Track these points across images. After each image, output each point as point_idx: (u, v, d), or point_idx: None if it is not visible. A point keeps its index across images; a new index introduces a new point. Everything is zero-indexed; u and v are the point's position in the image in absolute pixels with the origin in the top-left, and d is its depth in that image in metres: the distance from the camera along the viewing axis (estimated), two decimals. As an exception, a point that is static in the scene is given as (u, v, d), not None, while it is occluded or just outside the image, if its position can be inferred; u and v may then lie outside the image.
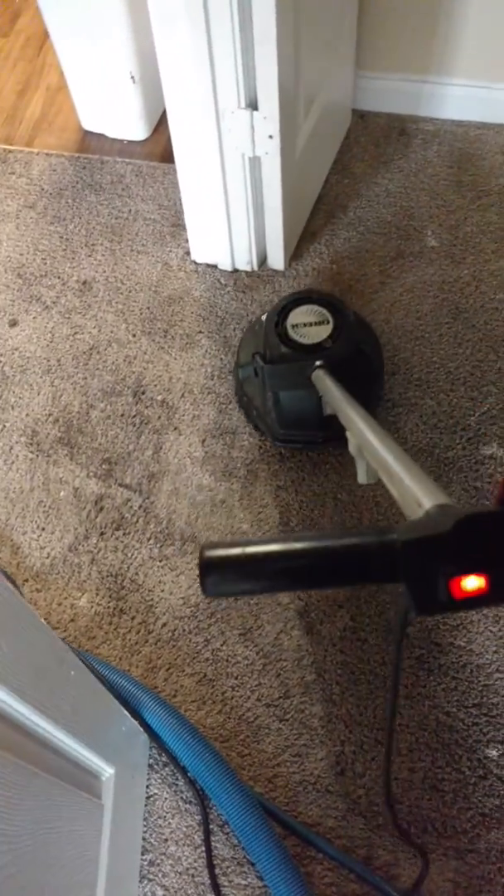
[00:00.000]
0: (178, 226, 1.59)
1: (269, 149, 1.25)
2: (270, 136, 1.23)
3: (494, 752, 1.05)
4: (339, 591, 1.17)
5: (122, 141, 1.74)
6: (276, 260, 1.48)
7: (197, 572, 1.18)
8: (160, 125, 1.75)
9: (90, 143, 1.74)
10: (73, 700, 0.73)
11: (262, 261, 1.51)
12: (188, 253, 1.54)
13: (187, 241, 1.54)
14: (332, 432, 1.20)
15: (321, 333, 1.20)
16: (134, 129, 1.71)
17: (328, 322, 1.21)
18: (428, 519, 0.50)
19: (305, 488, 1.26)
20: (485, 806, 1.02)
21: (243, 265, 1.50)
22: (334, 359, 1.16)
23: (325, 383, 1.10)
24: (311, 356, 1.17)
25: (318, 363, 1.15)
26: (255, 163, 1.30)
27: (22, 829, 0.60)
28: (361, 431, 0.84)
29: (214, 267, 1.52)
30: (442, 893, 0.97)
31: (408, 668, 1.11)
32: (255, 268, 1.50)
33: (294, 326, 1.21)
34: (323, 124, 1.49)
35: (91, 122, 1.74)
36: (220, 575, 0.45)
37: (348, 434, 0.91)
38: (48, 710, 0.66)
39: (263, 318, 1.30)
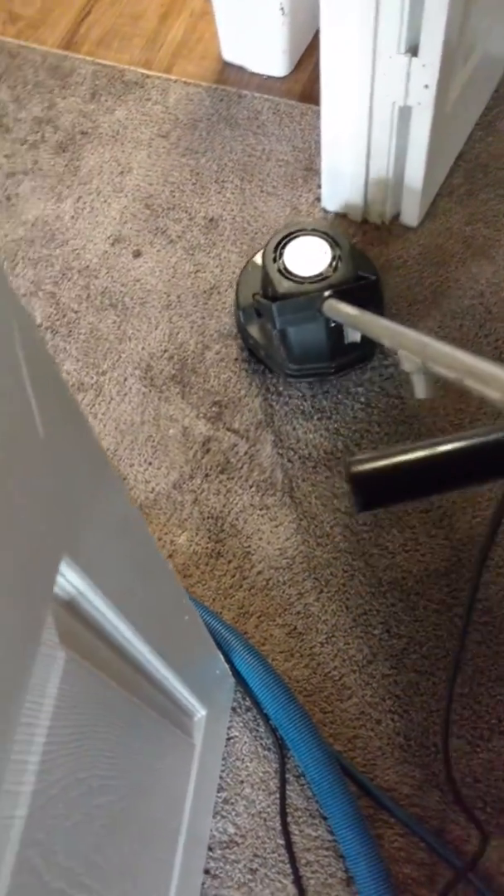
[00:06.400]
0: (310, 170, 1.54)
1: (423, 99, 1.19)
2: (426, 86, 1.17)
3: None
4: (441, 563, 1.15)
5: (261, 76, 1.69)
6: (410, 216, 1.43)
7: (296, 522, 1.19)
8: (302, 62, 1.69)
9: (229, 74, 1.70)
10: (183, 643, 0.75)
11: (395, 216, 1.45)
12: (318, 199, 1.50)
13: (319, 186, 1.50)
14: (344, 361, 1.25)
15: (321, 263, 1.19)
16: (276, 64, 1.66)
17: (326, 252, 1.20)
18: None
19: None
20: None
21: (374, 217, 1.45)
22: (340, 286, 1.16)
23: (345, 311, 1.10)
24: (316, 288, 1.17)
25: (326, 294, 1.15)
26: (405, 113, 1.24)
27: (133, 763, 0.62)
28: (424, 344, 0.82)
29: (344, 216, 1.48)
30: (510, 876, 0.98)
31: (493, 651, 1.09)
32: (387, 222, 1.45)
33: (293, 260, 1.20)
34: (477, 76, 1.41)
35: (232, 52, 1.69)
36: (371, 488, 0.45)
37: (402, 352, 0.88)
38: (164, 653, 0.67)
39: (255, 258, 1.32)
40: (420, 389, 0.86)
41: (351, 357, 1.27)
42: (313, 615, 1.15)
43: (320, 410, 1.29)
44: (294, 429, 1.28)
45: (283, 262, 1.21)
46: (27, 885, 0.41)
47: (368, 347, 1.28)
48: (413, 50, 1.14)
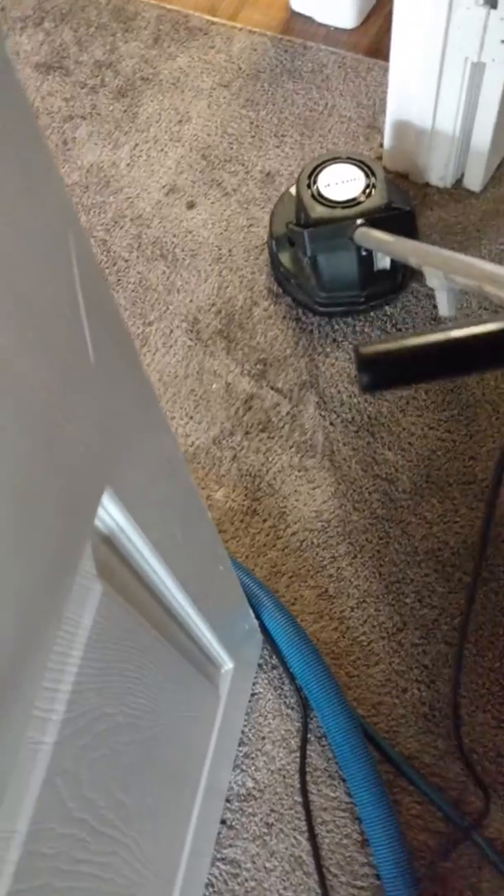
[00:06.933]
0: (373, 128, 1.50)
1: (498, 56, 1.15)
2: (503, 42, 1.12)
3: None
4: (478, 535, 1.13)
5: (329, 27, 1.64)
6: (474, 180, 1.39)
7: (334, 486, 1.18)
8: (372, 15, 1.63)
9: (295, 24, 1.65)
10: (216, 593, 0.74)
11: (458, 179, 1.41)
12: (380, 158, 1.46)
13: (381, 145, 1.46)
14: (374, 291, 1.26)
15: (354, 189, 1.21)
16: (344, 15, 1.61)
17: (359, 179, 1.22)
18: None
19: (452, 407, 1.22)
20: None
21: (436, 180, 1.41)
22: (372, 213, 1.18)
23: (376, 236, 1.13)
24: (347, 215, 1.18)
25: (358, 222, 1.17)
26: (477, 69, 1.19)
27: (160, 706, 0.62)
28: (446, 258, 0.87)
29: (405, 177, 1.44)
30: (527, 853, 0.97)
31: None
32: (449, 185, 1.41)
33: (327, 186, 1.22)
34: None
35: (300, 1, 1.65)
36: (377, 369, 0.47)
37: (426, 269, 0.93)
38: (197, 600, 0.66)
39: (291, 189, 1.31)
40: (443, 307, 0.92)
41: (382, 287, 1.27)
42: (345, 579, 1.14)
43: (367, 374, 1.27)
44: (339, 391, 1.26)
45: (316, 188, 1.22)
46: (52, 811, 0.41)
47: (399, 278, 1.28)
48: (492, 2, 1.09)
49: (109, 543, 0.46)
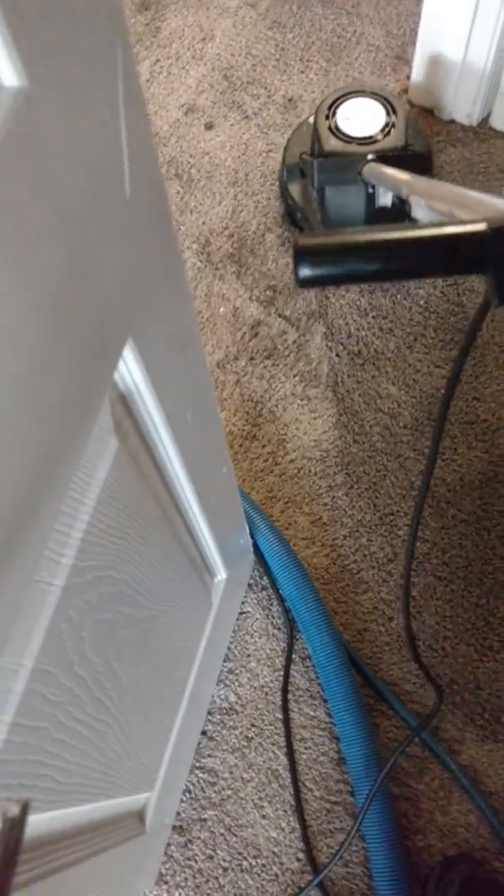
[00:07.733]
0: (401, 59, 1.46)
1: (538, -15, 1.12)
2: (545, -30, 1.09)
3: None
4: (476, 475, 1.14)
5: (363, -48, 1.59)
6: (501, 119, 1.36)
7: (335, 417, 1.17)
8: None
9: None
10: (218, 495, 0.74)
11: (485, 118, 1.38)
12: (405, 91, 1.43)
13: (407, 77, 1.43)
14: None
15: (373, 126, 1.17)
16: None
17: (380, 117, 1.18)
18: None
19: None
20: None
21: (462, 117, 1.38)
22: (387, 152, 1.15)
23: (380, 171, 1.10)
24: (360, 151, 1.15)
25: (369, 157, 1.14)
26: (515, -1, 1.16)
27: (159, 590, 0.62)
28: (426, 185, 0.88)
29: (430, 113, 1.41)
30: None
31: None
32: (475, 123, 1.38)
33: (346, 119, 1.18)
34: None
35: None
36: (311, 261, 0.46)
37: (412, 198, 0.93)
38: (201, 497, 0.67)
39: (310, 118, 1.28)
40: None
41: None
42: (340, 508, 1.14)
43: (377, 308, 1.26)
44: (347, 323, 1.25)
45: (334, 121, 1.18)
46: (55, 656, 0.41)
47: (406, 220, 1.25)
48: None
49: (126, 405, 0.46)
